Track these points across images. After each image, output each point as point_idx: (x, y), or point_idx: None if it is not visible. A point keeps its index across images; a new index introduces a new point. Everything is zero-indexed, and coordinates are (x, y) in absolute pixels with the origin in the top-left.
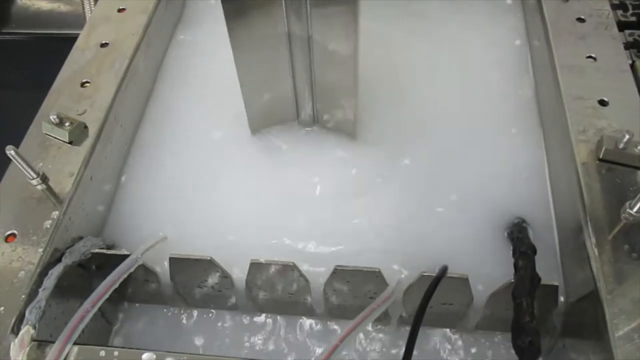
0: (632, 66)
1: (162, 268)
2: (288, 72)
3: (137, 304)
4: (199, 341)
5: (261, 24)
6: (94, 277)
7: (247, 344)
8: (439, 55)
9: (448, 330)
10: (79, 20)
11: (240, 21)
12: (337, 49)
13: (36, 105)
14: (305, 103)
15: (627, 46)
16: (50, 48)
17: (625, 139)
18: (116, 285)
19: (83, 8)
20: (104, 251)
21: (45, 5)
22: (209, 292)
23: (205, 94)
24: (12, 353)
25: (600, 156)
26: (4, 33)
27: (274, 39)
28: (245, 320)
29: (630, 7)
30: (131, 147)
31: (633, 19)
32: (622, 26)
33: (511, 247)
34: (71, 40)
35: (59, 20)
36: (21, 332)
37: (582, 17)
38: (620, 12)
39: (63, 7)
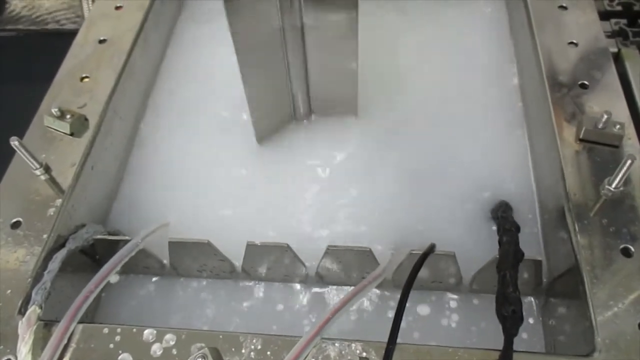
0: (618, 54)
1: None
2: (284, 69)
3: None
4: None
5: (260, 19)
6: (96, 265)
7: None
8: (424, 42)
9: None
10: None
11: (241, 17)
12: (339, 35)
13: (28, 100)
14: (300, 99)
15: (613, 34)
16: (40, 44)
17: (604, 119)
18: (117, 268)
19: (81, 6)
20: (106, 237)
21: (36, 3)
22: (209, 275)
23: (205, 88)
24: (19, 331)
25: (581, 136)
26: None
27: (271, 34)
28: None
29: None
30: (133, 139)
31: (619, 8)
32: (608, 15)
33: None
34: (61, 36)
35: (49, 17)
36: (28, 312)
37: (564, 5)
38: (606, 1)
39: (54, 4)
